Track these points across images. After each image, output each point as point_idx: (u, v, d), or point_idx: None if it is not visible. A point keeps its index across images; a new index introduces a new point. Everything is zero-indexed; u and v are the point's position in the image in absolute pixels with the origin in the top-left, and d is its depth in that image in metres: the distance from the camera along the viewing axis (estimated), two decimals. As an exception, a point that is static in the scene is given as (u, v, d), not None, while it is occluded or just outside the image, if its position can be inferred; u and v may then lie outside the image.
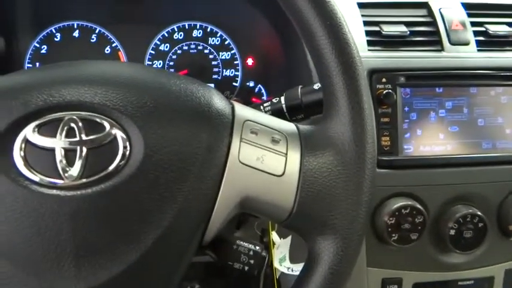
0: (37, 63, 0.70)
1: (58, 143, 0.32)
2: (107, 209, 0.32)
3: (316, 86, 0.48)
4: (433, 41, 0.63)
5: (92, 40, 0.70)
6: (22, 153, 0.32)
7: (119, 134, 0.33)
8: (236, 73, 0.73)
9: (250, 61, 0.73)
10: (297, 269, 0.60)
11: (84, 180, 0.32)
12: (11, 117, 0.32)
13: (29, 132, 0.32)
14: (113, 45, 0.70)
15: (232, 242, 0.42)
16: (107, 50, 0.70)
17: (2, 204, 0.32)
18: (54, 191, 0.32)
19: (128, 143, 0.33)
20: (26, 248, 0.32)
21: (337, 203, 0.34)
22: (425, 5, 0.67)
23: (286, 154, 0.35)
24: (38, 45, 0.69)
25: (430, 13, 0.66)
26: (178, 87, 0.36)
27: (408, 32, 0.63)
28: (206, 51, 0.72)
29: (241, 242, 0.42)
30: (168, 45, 0.71)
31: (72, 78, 0.35)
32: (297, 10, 0.36)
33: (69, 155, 0.32)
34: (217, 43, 0.72)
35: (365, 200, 0.35)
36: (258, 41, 0.73)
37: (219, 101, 0.36)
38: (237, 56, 0.73)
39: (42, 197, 0.32)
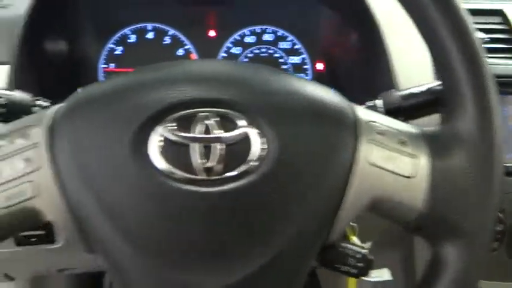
0: (112, 64, 0.71)
1: (194, 139, 0.33)
2: (242, 206, 0.32)
3: (417, 89, 0.48)
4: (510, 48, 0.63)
5: (165, 42, 0.71)
6: (158, 149, 0.32)
7: (254, 132, 0.33)
8: (306, 78, 0.74)
9: (320, 66, 0.73)
10: (376, 275, 0.59)
11: (219, 176, 0.32)
12: (147, 113, 0.33)
13: (164, 128, 0.33)
14: (186, 47, 0.71)
15: (338, 245, 0.41)
16: (180, 52, 0.71)
17: (139, 200, 0.32)
18: (190, 187, 0.32)
19: (263, 141, 0.33)
20: (160, 243, 0.32)
21: (469, 207, 0.34)
22: (500, 13, 0.67)
23: (414, 156, 0.35)
24: (113, 46, 0.71)
25: (505, 20, 0.66)
26: (304, 87, 0.36)
27: (487, 39, 0.63)
28: (277, 55, 0.73)
29: (347, 245, 0.42)
30: (239, 48, 0.72)
31: (205, 75, 0.35)
32: (419, 8, 0.36)
33: (205, 151, 0.32)
34: (287, 47, 0.73)
35: (495, 204, 0.34)
36: (329, 46, 0.73)
37: (341, 102, 0.36)
38: (307, 60, 0.73)
39: (178, 193, 0.32)
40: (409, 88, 0.49)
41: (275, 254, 0.33)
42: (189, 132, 0.33)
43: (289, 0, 0.72)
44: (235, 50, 0.72)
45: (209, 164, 0.32)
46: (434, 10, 0.36)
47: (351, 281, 0.61)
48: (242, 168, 0.32)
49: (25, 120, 0.36)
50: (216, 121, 0.33)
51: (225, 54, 0.72)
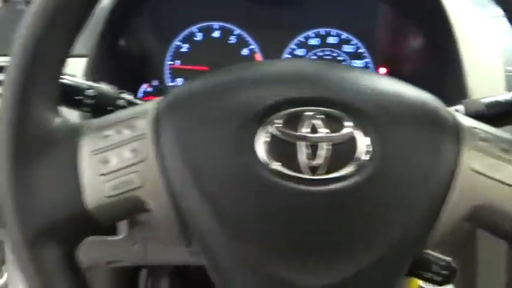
0: (177, 61, 0.72)
1: (301, 137, 0.33)
2: (345, 208, 0.32)
3: (501, 97, 0.47)
4: None
5: (230, 41, 0.72)
6: (264, 146, 0.33)
7: (360, 133, 0.33)
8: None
9: (383, 70, 0.73)
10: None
11: (326, 176, 0.32)
12: (254, 110, 0.33)
13: (271, 125, 0.33)
14: (251, 47, 0.72)
15: (423, 251, 0.41)
16: (244, 52, 0.72)
17: (243, 194, 0.33)
18: (295, 185, 0.32)
19: (369, 143, 0.33)
20: (262, 238, 0.33)
21: None
22: None
23: None
24: (179, 44, 0.72)
25: None
26: (404, 89, 0.36)
27: None
28: (340, 58, 0.73)
29: (431, 252, 0.41)
30: (304, 50, 0.72)
31: (310, 74, 0.35)
32: None
33: (311, 150, 0.33)
34: (351, 51, 0.73)
35: None
36: (393, 50, 0.72)
37: (441, 106, 0.36)
38: (371, 65, 0.73)
39: (283, 190, 0.32)
40: (492, 96, 0.49)
41: (374, 258, 0.33)
42: (295, 131, 0.33)
43: (354, 3, 0.72)
44: (299, 52, 0.72)
45: (315, 163, 0.33)
46: None
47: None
48: (347, 169, 0.33)
49: (129, 111, 0.37)
50: (322, 120, 0.33)
51: (288, 56, 0.72)
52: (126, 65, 0.68)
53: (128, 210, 0.35)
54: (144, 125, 0.35)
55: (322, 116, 0.34)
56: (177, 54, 0.72)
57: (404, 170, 0.33)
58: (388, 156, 0.33)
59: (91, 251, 0.74)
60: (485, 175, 0.34)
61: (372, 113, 0.34)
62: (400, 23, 0.72)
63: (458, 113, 0.38)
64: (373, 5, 0.72)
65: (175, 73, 0.72)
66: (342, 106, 0.34)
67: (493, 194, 0.34)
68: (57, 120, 0.36)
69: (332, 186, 0.32)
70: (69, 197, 0.34)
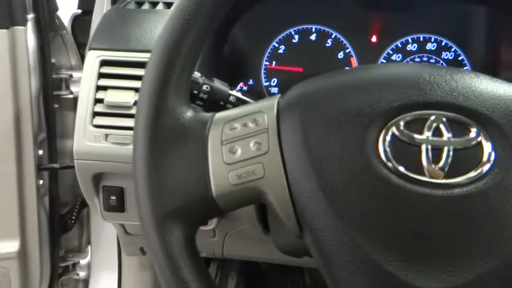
0: (274, 62, 0.74)
1: (425, 140, 0.34)
2: (468, 213, 0.33)
3: None
4: None
5: (327, 44, 0.73)
6: (387, 146, 0.34)
7: (485, 140, 0.33)
8: None
9: (482, 79, 0.71)
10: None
11: (448, 180, 0.33)
12: (378, 111, 0.34)
13: (395, 127, 0.34)
14: (347, 51, 0.73)
15: None
16: (340, 55, 0.73)
17: (363, 193, 0.34)
18: (418, 187, 0.33)
19: (493, 151, 0.33)
20: (380, 238, 0.34)
21: None
22: None
23: None
24: (276, 45, 0.74)
25: None
26: None
27: None
28: (439, 65, 0.71)
29: None
30: (400, 55, 0.72)
31: (434, 77, 0.36)
32: None
33: (435, 154, 0.33)
34: (450, 58, 0.71)
35: None
36: (495, 58, 0.70)
37: None
38: (470, 72, 0.71)
39: (405, 191, 0.33)
40: None
41: (496, 264, 0.33)
42: (420, 134, 0.34)
43: (455, 8, 0.70)
44: (395, 57, 0.72)
45: (438, 167, 0.33)
46: None
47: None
48: (471, 174, 0.33)
49: (254, 106, 0.39)
50: (447, 125, 0.34)
51: (384, 61, 0.72)
52: (227, 64, 0.72)
53: (248, 199, 0.37)
54: (267, 120, 0.37)
55: (446, 121, 0.34)
56: (274, 55, 0.74)
57: None
58: None
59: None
60: None
61: (497, 120, 0.34)
62: (501, 28, 0.70)
63: None
64: (473, 10, 0.70)
65: (271, 73, 0.74)
66: (467, 111, 0.34)
67: None
68: (190, 113, 0.39)
69: (455, 192, 0.33)
70: (197, 183, 0.37)
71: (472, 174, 0.33)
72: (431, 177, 0.33)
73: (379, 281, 0.34)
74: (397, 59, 0.72)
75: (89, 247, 1.14)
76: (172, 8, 0.39)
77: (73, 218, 1.07)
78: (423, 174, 0.33)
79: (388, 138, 0.34)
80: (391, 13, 0.71)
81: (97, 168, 0.62)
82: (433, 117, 0.34)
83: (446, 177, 0.33)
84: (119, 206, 0.64)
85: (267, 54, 0.74)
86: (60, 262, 1.10)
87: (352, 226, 0.34)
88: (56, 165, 0.97)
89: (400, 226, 0.33)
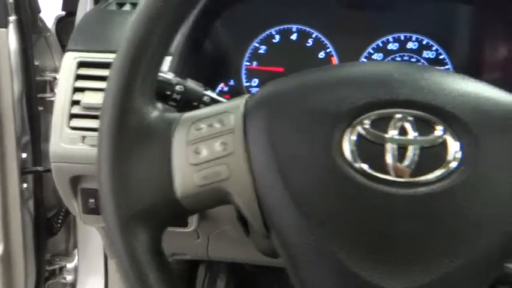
0: (255, 62, 0.74)
1: (390, 139, 0.33)
2: (432, 212, 0.32)
3: None
4: None
5: (308, 44, 0.73)
6: (352, 146, 0.33)
7: (451, 138, 0.33)
8: None
9: (464, 78, 0.70)
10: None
11: (414, 179, 0.32)
12: (343, 110, 0.34)
13: (360, 126, 0.34)
14: (327, 50, 0.72)
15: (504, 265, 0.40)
16: (321, 55, 0.73)
17: (329, 192, 0.33)
18: (382, 186, 0.33)
19: (459, 147, 0.33)
20: (346, 237, 0.33)
21: None
22: None
23: None
24: (257, 45, 0.74)
25: None
26: (498, 94, 0.35)
27: None
28: (417, 63, 0.71)
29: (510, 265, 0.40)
30: (381, 54, 0.72)
31: (401, 77, 0.35)
32: None
33: (401, 152, 0.33)
34: (431, 57, 0.71)
35: None
36: (477, 57, 0.70)
37: None
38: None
39: (369, 191, 0.33)
40: None
41: (462, 262, 0.32)
42: (384, 132, 0.33)
43: (437, 7, 0.70)
44: (377, 57, 0.71)
45: (403, 166, 0.33)
46: None
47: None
48: (436, 173, 0.32)
49: (221, 106, 0.39)
50: (412, 123, 0.33)
51: (364, 60, 0.72)
52: (206, 64, 0.71)
53: (214, 200, 0.37)
54: (233, 120, 0.37)
55: (412, 119, 0.33)
56: (255, 56, 0.74)
57: (494, 178, 0.32)
58: (478, 163, 0.32)
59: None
60: None
61: (464, 118, 0.33)
62: (481, 26, 0.70)
63: None
64: (454, 8, 0.70)
65: (252, 74, 0.74)
66: (433, 109, 0.33)
67: None
68: (155, 113, 0.38)
69: (419, 190, 0.32)
70: (161, 185, 0.36)
71: (438, 172, 0.32)
72: (396, 176, 0.33)
73: (345, 281, 0.33)
74: (378, 58, 0.71)
75: (76, 251, 1.14)
76: (138, 6, 0.38)
77: (59, 221, 1.07)
78: (388, 174, 0.33)
79: (353, 137, 0.34)
80: (372, 12, 0.71)
81: (74, 171, 0.61)
82: (399, 116, 0.34)
83: (412, 176, 0.33)
84: (98, 209, 0.63)
85: (247, 54, 0.74)
86: (47, 266, 1.09)
87: (317, 227, 0.34)
88: (40, 168, 0.96)
89: (365, 226, 0.33)
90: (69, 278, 1.13)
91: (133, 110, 0.37)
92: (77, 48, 0.64)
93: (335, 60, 0.72)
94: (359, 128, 0.34)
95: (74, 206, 0.65)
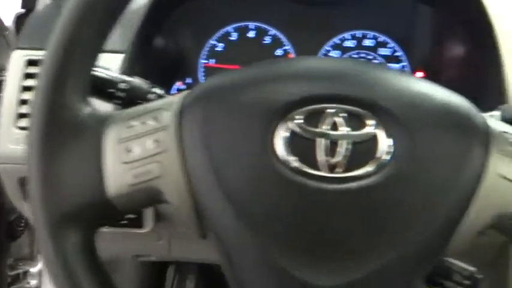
0: (212, 60, 0.73)
1: (321, 135, 0.33)
2: (362, 207, 0.32)
3: None
4: None
5: (265, 41, 0.72)
6: (284, 141, 0.33)
7: (382, 132, 0.33)
8: None
9: (419, 75, 0.71)
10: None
11: (346, 174, 0.32)
12: (276, 105, 0.33)
13: (292, 121, 0.33)
14: (285, 47, 0.72)
15: (445, 259, 0.40)
16: (278, 52, 0.72)
17: (261, 188, 0.33)
18: (313, 182, 0.32)
19: (391, 142, 0.32)
20: (278, 233, 0.33)
21: None
22: None
23: None
24: (214, 43, 0.73)
25: None
26: (433, 90, 0.35)
27: None
28: (376, 61, 0.71)
29: (453, 260, 0.40)
30: (338, 52, 0.71)
31: (335, 71, 0.35)
32: None
33: (332, 148, 0.32)
34: (387, 54, 0.71)
35: None
36: (432, 53, 0.70)
37: (472, 109, 0.35)
38: (408, 68, 0.71)
39: (300, 186, 0.32)
40: None
41: (390, 260, 0.32)
42: (316, 127, 0.33)
43: (392, 5, 0.70)
44: (334, 54, 0.71)
45: (334, 161, 0.32)
46: None
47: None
48: (367, 168, 0.32)
49: (156, 103, 0.38)
50: (344, 118, 0.33)
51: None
52: (161, 62, 0.70)
53: (147, 200, 0.36)
54: (168, 117, 0.36)
55: (344, 114, 0.33)
56: (212, 53, 0.73)
57: (426, 173, 0.32)
58: (411, 157, 0.32)
59: (118, 243, 0.76)
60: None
61: (396, 113, 0.33)
62: (439, 26, 0.70)
63: (491, 117, 0.37)
64: (412, 7, 0.70)
65: (210, 72, 0.73)
66: (364, 104, 0.33)
67: None
68: (87, 110, 0.37)
69: (349, 185, 0.32)
70: (92, 184, 0.35)
71: (370, 167, 0.32)
72: (328, 171, 0.32)
73: (279, 280, 0.33)
74: (336, 56, 0.71)
75: (39, 255, 1.12)
76: (68, 1, 0.37)
77: (21, 225, 1.04)
78: (320, 169, 0.32)
79: (286, 133, 0.33)
80: (329, 9, 0.71)
81: (22, 172, 0.59)
82: (331, 111, 0.33)
83: (343, 171, 0.32)
84: None
85: (204, 52, 0.73)
86: (9, 271, 1.07)
87: (251, 225, 0.33)
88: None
89: (298, 223, 0.32)
90: (33, 282, 1.11)
91: (64, 106, 0.36)
92: (25, 46, 0.62)
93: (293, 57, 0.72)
94: (291, 124, 0.33)
95: (25, 208, 0.63)
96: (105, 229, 0.66)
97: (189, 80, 0.73)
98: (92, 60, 0.38)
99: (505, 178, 0.33)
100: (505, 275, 0.65)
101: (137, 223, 0.65)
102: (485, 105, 0.51)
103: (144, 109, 0.37)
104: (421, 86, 0.35)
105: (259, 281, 0.34)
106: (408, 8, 0.70)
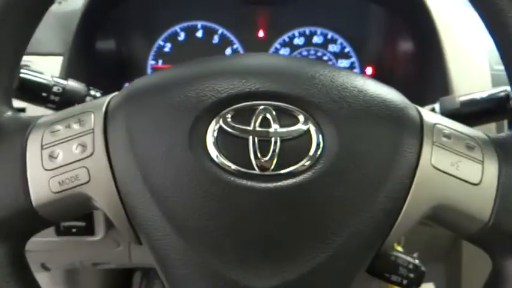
0: (160, 61, 0.71)
1: (252, 132, 0.32)
2: (296, 205, 0.31)
3: (478, 95, 0.46)
4: None
5: (214, 41, 0.71)
6: (215, 141, 0.32)
7: (313, 128, 0.32)
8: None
9: (369, 70, 0.71)
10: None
11: (277, 172, 0.31)
12: (205, 104, 0.32)
13: (222, 119, 0.32)
14: (234, 46, 0.71)
15: (388, 253, 0.39)
16: (228, 51, 0.71)
17: (192, 190, 0.31)
18: (245, 181, 0.31)
19: (321, 138, 0.32)
20: (211, 235, 0.31)
21: None
22: None
23: (483, 162, 0.33)
24: (162, 44, 0.71)
25: None
26: (366, 84, 0.34)
27: None
28: (325, 58, 0.71)
29: (398, 254, 0.40)
30: (288, 49, 0.71)
31: (264, 67, 0.34)
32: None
33: (263, 146, 0.31)
34: (336, 50, 0.71)
35: None
36: (379, 50, 0.71)
37: (405, 102, 0.35)
38: (356, 64, 0.71)
39: (232, 186, 0.31)
40: (470, 94, 0.47)
41: (326, 257, 0.31)
42: (247, 125, 0.32)
43: (341, 2, 0.71)
44: (284, 51, 0.71)
45: (265, 159, 0.31)
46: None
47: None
48: (299, 165, 0.31)
49: (81, 106, 0.36)
50: (274, 115, 0.32)
51: (272, 55, 0.71)
52: (106, 64, 0.68)
53: (75, 207, 0.34)
54: (94, 120, 0.34)
55: (275, 111, 0.32)
56: (160, 54, 0.71)
57: (359, 166, 0.32)
58: (342, 151, 0.32)
59: (74, 252, 0.73)
60: (446, 173, 0.32)
61: (326, 107, 0.32)
62: (387, 22, 0.71)
63: (424, 109, 0.37)
64: (361, 4, 0.70)
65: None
66: (293, 100, 0.32)
67: (454, 193, 0.32)
68: (9, 113, 0.35)
69: (282, 183, 0.31)
70: (15, 192, 0.33)
71: (301, 163, 0.31)
72: (260, 170, 0.31)
73: (213, 282, 0.32)
74: (285, 53, 0.71)
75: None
76: None
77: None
78: (252, 168, 0.31)
79: (215, 132, 0.32)
80: (277, 7, 0.71)
81: None
82: (261, 108, 0.32)
83: (275, 169, 0.31)
84: None
85: (152, 52, 0.71)
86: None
87: (183, 228, 0.32)
88: None
89: (230, 224, 0.31)
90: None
91: None
92: None
93: (242, 56, 0.71)
94: (221, 122, 0.32)
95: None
96: (57, 238, 0.63)
97: (137, 82, 0.71)
98: (12, 62, 0.36)
99: (439, 169, 0.32)
100: (458, 268, 0.66)
101: (88, 231, 0.63)
102: (431, 99, 0.52)
103: (69, 112, 0.35)
104: (353, 80, 0.34)
105: (193, 284, 0.33)
106: (357, 5, 0.71)
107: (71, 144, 0.33)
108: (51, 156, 0.33)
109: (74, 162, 0.33)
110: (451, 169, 0.33)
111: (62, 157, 0.33)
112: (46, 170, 0.33)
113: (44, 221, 0.34)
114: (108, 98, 0.36)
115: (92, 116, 0.34)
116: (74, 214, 0.35)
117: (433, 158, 0.33)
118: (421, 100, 0.50)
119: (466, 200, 0.33)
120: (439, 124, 0.34)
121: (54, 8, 0.71)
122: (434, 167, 0.33)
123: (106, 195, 0.33)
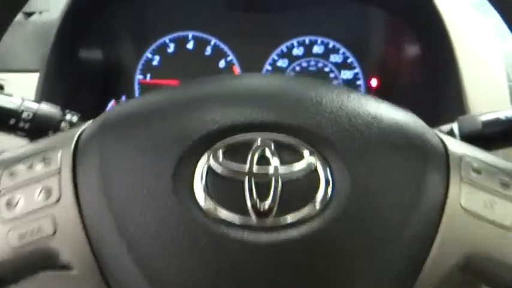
0: (148, 75, 0.66)
1: (247, 173, 0.26)
2: (301, 261, 0.26)
3: (502, 115, 0.40)
4: None
5: (206, 53, 0.66)
6: (204, 183, 0.26)
7: (320, 165, 0.27)
8: None
9: (374, 82, 0.66)
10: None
11: (278, 220, 0.26)
12: (192, 139, 0.27)
13: (212, 157, 0.27)
14: (228, 58, 0.66)
15: None
16: (221, 64, 0.66)
17: (178, 246, 0.26)
18: (241, 233, 0.26)
19: (330, 177, 0.26)
20: None
21: None
22: None
23: None
24: (150, 56, 0.66)
25: None
26: (380, 109, 0.29)
27: None
28: (327, 69, 0.66)
29: None
30: (286, 61, 0.66)
31: (261, 92, 0.29)
32: None
33: (261, 188, 0.26)
34: (339, 61, 0.66)
35: None
36: (385, 59, 0.66)
37: (428, 131, 0.29)
38: (360, 75, 0.66)
39: (226, 239, 0.26)
40: (492, 112, 0.42)
41: None
42: (241, 163, 0.27)
43: (343, 9, 0.65)
44: (282, 63, 0.66)
45: (264, 205, 0.26)
46: None
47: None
48: (305, 211, 0.26)
49: (47, 141, 0.30)
50: (274, 150, 0.27)
51: (269, 68, 0.66)
52: (89, 79, 0.62)
53: (38, 263, 0.29)
54: (61, 158, 0.29)
55: (275, 146, 0.27)
56: (148, 68, 0.66)
57: (377, 210, 0.26)
58: (356, 193, 0.26)
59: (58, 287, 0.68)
60: (479, 215, 0.27)
61: (335, 138, 0.27)
62: (393, 30, 0.66)
63: (448, 136, 0.31)
64: (364, 11, 0.65)
65: (146, 88, 0.66)
66: (295, 131, 0.27)
67: (487, 239, 0.27)
68: None
69: (284, 235, 0.26)
70: None
71: (306, 210, 0.26)
72: (258, 218, 0.26)
73: None
74: (283, 65, 0.66)
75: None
76: None
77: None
78: (248, 216, 0.26)
79: (204, 173, 0.27)
80: (273, 15, 0.65)
81: None
82: (257, 142, 0.27)
83: (275, 216, 0.26)
84: None
85: (139, 66, 0.66)
86: None
87: (158, 284, 0.26)
88: None
89: (220, 283, 0.26)
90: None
91: None
92: None
93: (237, 69, 0.66)
94: (211, 161, 0.27)
95: None
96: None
97: (123, 98, 0.66)
98: None
99: (470, 211, 0.27)
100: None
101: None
102: (443, 114, 0.47)
103: (32, 149, 0.30)
104: (365, 105, 0.29)
105: None
106: (358, 11, 0.66)
107: (33, 189, 0.28)
108: (9, 204, 0.28)
109: (37, 210, 0.28)
110: (484, 211, 0.27)
111: (22, 205, 0.28)
112: (4, 220, 0.28)
113: (2, 280, 0.29)
114: (78, 130, 0.31)
115: (59, 153, 0.29)
116: (36, 271, 0.30)
117: (463, 198, 0.28)
118: (432, 118, 0.45)
119: (501, 247, 0.27)
120: (467, 156, 0.29)
121: (32, 19, 0.66)
122: (464, 209, 0.27)
123: (74, 247, 0.28)
